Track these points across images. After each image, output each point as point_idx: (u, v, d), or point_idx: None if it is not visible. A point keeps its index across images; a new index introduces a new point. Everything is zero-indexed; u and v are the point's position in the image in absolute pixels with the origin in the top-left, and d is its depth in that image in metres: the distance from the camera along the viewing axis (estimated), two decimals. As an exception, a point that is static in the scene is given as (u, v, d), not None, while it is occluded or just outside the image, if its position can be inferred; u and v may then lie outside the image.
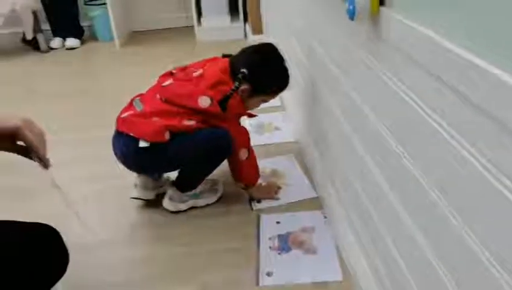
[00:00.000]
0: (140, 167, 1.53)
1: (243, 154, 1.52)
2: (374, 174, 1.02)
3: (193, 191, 1.59)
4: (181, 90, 1.45)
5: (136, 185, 1.63)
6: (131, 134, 1.41)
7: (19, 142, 0.90)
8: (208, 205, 1.60)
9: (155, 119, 1.42)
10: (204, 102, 1.42)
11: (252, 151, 1.55)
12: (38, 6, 3.56)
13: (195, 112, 1.42)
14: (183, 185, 1.57)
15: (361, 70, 1.02)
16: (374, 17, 0.87)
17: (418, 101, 0.74)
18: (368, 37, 0.93)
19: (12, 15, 3.38)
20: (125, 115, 1.48)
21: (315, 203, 1.57)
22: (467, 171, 0.60)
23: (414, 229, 0.82)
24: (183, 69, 1.56)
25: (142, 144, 1.39)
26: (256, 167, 1.58)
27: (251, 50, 1.56)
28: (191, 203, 1.59)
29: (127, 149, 1.44)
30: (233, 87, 1.43)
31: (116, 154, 1.50)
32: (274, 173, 1.76)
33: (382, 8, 0.84)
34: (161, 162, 1.46)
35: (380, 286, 1.07)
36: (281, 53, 1.55)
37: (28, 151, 0.91)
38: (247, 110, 1.57)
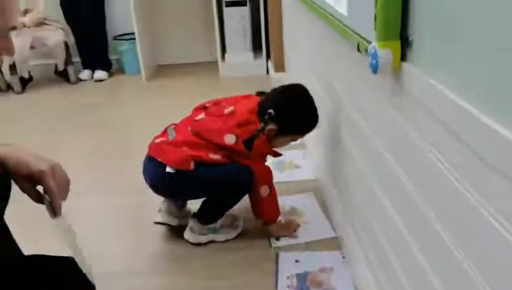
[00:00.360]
0: (166, 191, 1.60)
1: (264, 191, 1.55)
2: (392, 217, 1.04)
3: (213, 225, 1.62)
4: (210, 125, 1.54)
5: (160, 210, 1.68)
6: (160, 160, 1.48)
7: (38, 187, 0.90)
8: (227, 240, 1.64)
9: (184, 148, 1.50)
10: (229, 139, 1.48)
11: (274, 189, 1.59)
12: (70, 39, 3.73)
13: (221, 147, 1.49)
14: (204, 217, 1.61)
15: (383, 119, 1.07)
16: (396, 72, 0.92)
17: (437, 155, 0.78)
18: (390, 89, 0.98)
19: (46, 48, 3.55)
20: (158, 141, 1.57)
21: (334, 243, 1.58)
22: (484, 226, 0.63)
23: (431, 275, 0.84)
24: (216, 103, 1.63)
25: (169, 169, 1.47)
26: (276, 204, 1.62)
27: (279, 90, 1.62)
28: (210, 237, 1.63)
29: (155, 173, 1.52)
30: (259, 128, 1.49)
31: (145, 177, 1.57)
32: (293, 210, 1.79)
33: (404, 64, 0.89)
34: (185, 189, 1.54)
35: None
36: (310, 94, 1.60)
37: (41, 198, 0.90)
38: (274, 148, 1.61)
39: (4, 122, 3.05)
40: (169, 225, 1.68)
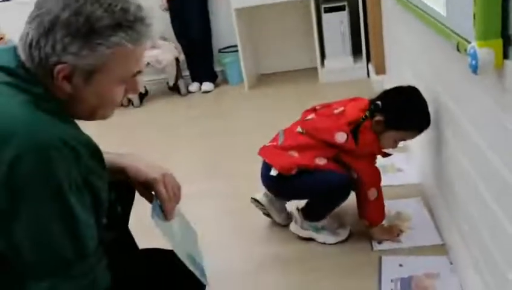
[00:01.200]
0: (272, 191, 1.71)
1: (372, 194, 1.56)
2: (503, 224, 1.00)
3: (315, 224, 1.67)
4: (321, 124, 1.59)
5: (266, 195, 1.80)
6: (268, 161, 1.61)
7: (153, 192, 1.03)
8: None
9: (291, 152, 1.58)
10: (340, 137, 1.52)
11: (381, 191, 1.59)
12: (181, 55, 4.04)
13: (330, 146, 1.54)
14: (307, 213, 1.68)
15: (487, 119, 1.03)
16: (499, 71, 0.89)
17: None
18: (494, 88, 0.95)
19: (160, 65, 3.89)
20: (269, 144, 1.69)
21: (439, 250, 1.54)
22: None
23: None
24: (326, 105, 1.68)
25: (273, 172, 1.57)
26: (383, 207, 1.61)
27: (391, 89, 1.63)
28: (309, 234, 1.68)
29: (264, 174, 1.64)
30: (361, 117, 1.51)
31: (261, 176, 1.69)
32: (399, 215, 1.76)
33: (507, 62, 0.86)
34: (286, 191, 1.65)
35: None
36: (422, 95, 1.56)
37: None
38: (382, 148, 1.59)
39: (126, 133, 3.40)
40: (263, 208, 1.79)
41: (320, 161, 1.54)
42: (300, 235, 1.69)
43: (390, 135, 1.55)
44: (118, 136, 3.37)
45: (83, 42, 0.80)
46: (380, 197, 1.58)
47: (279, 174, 1.56)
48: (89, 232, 0.82)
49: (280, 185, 1.61)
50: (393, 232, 1.64)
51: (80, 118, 0.91)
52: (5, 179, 0.73)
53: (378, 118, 1.52)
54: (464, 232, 1.36)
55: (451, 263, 1.45)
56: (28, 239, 0.77)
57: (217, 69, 4.21)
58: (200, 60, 4.03)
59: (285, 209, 1.82)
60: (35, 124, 0.77)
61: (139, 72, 0.90)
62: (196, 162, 2.69)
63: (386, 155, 1.64)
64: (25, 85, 0.82)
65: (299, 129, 1.62)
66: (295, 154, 1.57)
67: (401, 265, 1.49)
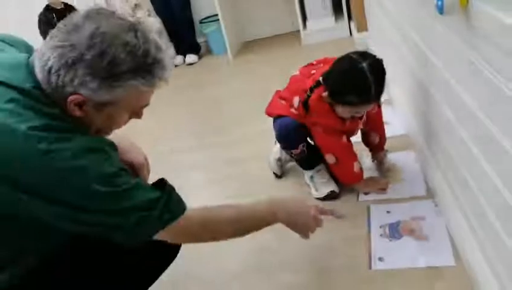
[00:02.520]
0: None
1: (329, 159, 1.63)
2: (483, 167, 1.03)
3: (306, 171, 1.75)
4: (292, 85, 1.68)
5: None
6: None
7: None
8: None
9: (281, 101, 1.69)
10: (295, 102, 1.59)
11: (343, 157, 1.62)
12: (162, 28, 4.00)
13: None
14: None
15: (460, 62, 1.06)
16: (464, 10, 0.91)
17: None
18: (459, 28, 0.98)
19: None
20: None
21: (425, 196, 1.59)
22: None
23: None
24: (319, 61, 1.69)
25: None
26: (347, 171, 1.64)
27: (338, 58, 1.52)
28: (307, 181, 1.77)
29: None
30: (306, 94, 1.55)
31: None
32: (392, 167, 1.79)
33: (471, 0, 0.88)
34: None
35: (495, 275, 1.08)
36: (369, 61, 1.41)
37: None
38: (340, 121, 1.56)
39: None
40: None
41: (294, 111, 1.61)
42: (305, 180, 1.79)
43: (340, 108, 1.51)
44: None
45: (101, 82, 0.82)
46: (340, 163, 1.62)
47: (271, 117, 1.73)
48: (143, 190, 0.91)
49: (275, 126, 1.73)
50: (375, 186, 1.67)
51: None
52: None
53: (324, 93, 1.50)
54: (448, 174, 1.41)
55: (436, 206, 1.51)
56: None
57: (200, 40, 4.18)
58: (182, 32, 4.00)
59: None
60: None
61: (147, 105, 0.96)
62: (184, 131, 2.72)
63: (348, 133, 1.64)
64: (40, 106, 0.83)
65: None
66: (283, 102, 1.69)
67: (388, 212, 1.55)
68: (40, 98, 0.84)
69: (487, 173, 1.00)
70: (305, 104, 1.55)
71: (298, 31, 3.79)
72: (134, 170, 1.09)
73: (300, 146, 1.65)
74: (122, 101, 0.87)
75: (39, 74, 0.84)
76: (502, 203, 0.93)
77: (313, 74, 1.61)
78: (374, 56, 1.45)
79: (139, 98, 0.91)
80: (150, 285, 1.15)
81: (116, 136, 1.05)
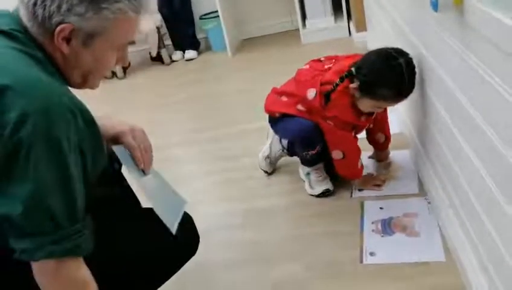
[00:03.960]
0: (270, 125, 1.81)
1: (336, 155, 1.62)
2: (474, 165, 1.05)
3: (303, 167, 1.75)
4: (303, 77, 1.64)
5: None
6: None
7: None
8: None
9: (282, 97, 1.68)
10: (310, 94, 1.56)
11: (350, 153, 1.62)
12: (163, 25, 4.01)
13: (304, 100, 1.59)
14: (292, 153, 1.82)
15: (453, 57, 1.08)
16: (459, 7, 0.93)
17: (509, 90, 0.78)
18: (454, 26, 0.99)
19: (141, 35, 3.85)
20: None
21: (418, 194, 1.60)
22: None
23: (510, 213, 0.86)
24: (329, 58, 1.68)
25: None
26: (352, 167, 1.65)
27: (372, 50, 1.55)
28: (302, 176, 1.78)
29: None
30: (334, 84, 1.50)
31: None
32: (388, 165, 1.81)
33: (465, -1, 0.90)
34: (274, 129, 1.78)
35: (483, 270, 1.10)
36: (405, 58, 1.43)
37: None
38: (357, 116, 1.56)
39: (113, 104, 3.41)
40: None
41: (300, 108, 1.61)
42: (300, 175, 1.80)
43: (366, 102, 1.51)
44: (104, 108, 3.38)
45: (88, 4, 0.81)
46: (348, 158, 1.62)
47: (269, 115, 1.73)
48: (80, 197, 0.82)
49: (271, 123, 1.76)
50: (372, 182, 1.69)
51: (71, 85, 0.92)
52: (9, 136, 0.74)
53: (352, 84, 1.49)
54: (440, 172, 1.42)
55: (429, 203, 1.53)
56: (22, 197, 0.76)
57: (199, 36, 4.18)
58: (182, 28, 4.00)
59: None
60: (41, 86, 0.78)
61: (132, 41, 0.93)
62: (181, 126, 2.73)
63: (358, 129, 1.64)
64: (27, 49, 0.82)
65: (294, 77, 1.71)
66: (284, 98, 1.68)
67: (381, 208, 1.56)
68: (23, 40, 0.83)
69: (478, 171, 1.01)
70: (327, 95, 1.51)
71: (297, 29, 3.80)
72: (119, 140, 1.04)
73: (318, 146, 1.64)
74: (110, 31, 0.85)
75: (24, 12, 0.83)
76: (492, 201, 0.95)
77: (328, 68, 1.59)
78: (408, 54, 1.46)
79: (126, 28, 0.88)
80: (165, 280, 1.11)
81: (102, 117, 1.02)
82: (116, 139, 1.04)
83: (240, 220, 1.72)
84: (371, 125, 1.72)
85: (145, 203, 1.07)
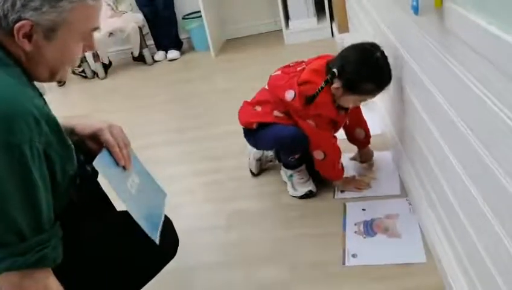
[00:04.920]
0: (246, 140, 1.79)
1: (317, 155, 1.62)
2: (455, 167, 1.05)
3: (286, 170, 1.74)
4: (278, 81, 1.63)
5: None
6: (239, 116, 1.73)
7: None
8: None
9: (256, 107, 1.67)
10: (289, 95, 1.56)
11: (331, 154, 1.62)
12: (145, 25, 3.97)
13: (283, 103, 1.58)
14: (278, 158, 1.82)
15: (432, 60, 1.09)
16: (439, 11, 0.94)
17: (486, 92, 0.79)
18: (434, 29, 1.00)
19: (123, 35, 3.81)
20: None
21: (399, 197, 1.61)
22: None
23: (491, 218, 0.87)
24: (298, 63, 1.69)
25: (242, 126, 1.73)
26: (333, 167, 1.65)
27: (348, 48, 1.58)
28: (284, 178, 1.78)
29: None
30: (319, 88, 1.50)
31: None
32: (369, 166, 1.81)
33: (445, 2, 0.91)
34: (253, 142, 1.76)
35: (463, 271, 1.11)
36: (380, 51, 1.49)
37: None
38: (337, 112, 1.58)
39: (95, 104, 3.37)
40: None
41: (278, 114, 1.60)
42: (282, 178, 1.80)
43: (349, 98, 1.54)
44: (85, 108, 3.34)
45: None
46: (329, 159, 1.62)
47: (245, 128, 1.70)
48: (46, 206, 0.80)
49: (248, 136, 1.75)
50: (352, 184, 1.70)
51: (39, 80, 0.90)
52: None
53: (336, 85, 1.50)
54: (421, 174, 1.44)
55: (410, 204, 1.54)
56: None
57: (182, 36, 4.16)
58: (164, 27, 3.98)
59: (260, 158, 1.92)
60: (1, 92, 0.76)
61: (97, 28, 0.90)
62: (163, 126, 2.71)
63: (338, 122, 1.64)
64: None
65: (266, 85, 1.69)
66: (258, 108, 1.66)
67: (364, 209, 1.57)
68: None
69: (458, 173, 1.02)
70: (311, 98, 1.51)
71: (281, 30, 3.81)
72: (97, 138, 1.01)
73: (301, 151, 1.65)
74: (70, 21, 0.82)
75: None
76: (470, 202, 0.96)
77: (302, 69, 1.60)
78: (379, 46, 1.52)
79: (87, 16, 0.86)
80: (145, 283, 1.09)
81: (81, 117, 1.01)
82: (94, 137, 1.01)
83: (223, 222, 1.71)
84: (347, 122, 1.74)
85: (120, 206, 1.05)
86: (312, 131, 1.57)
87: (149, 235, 0.97)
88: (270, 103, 1.62)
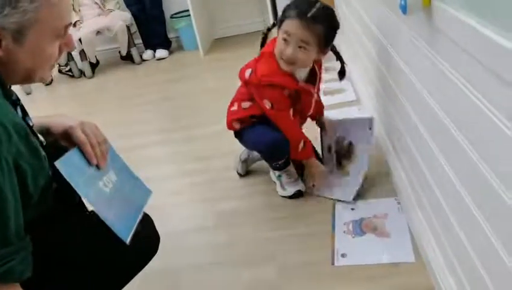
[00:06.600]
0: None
1: (300, 146, 1.62)
2: (443, 167, 1.05)
3: (275, 171, 1.72)
4: (242, 70, 1.67)
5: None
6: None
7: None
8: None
9: (233, 107, 1.68)
10: (247, 73, 1.61)
11: (291, 135, 1.60)
12: (133, 24, 3.94)
13: (246, 87, 1.63)
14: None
15: (422, 60, 1.09)
16: (427, 10, 0.94)
17: (474, 91, 0.79)
18: (422, 28, 1.00)
19: (110, 34, 3.78)
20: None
21: (388, 197, 1.60)
22: None
23: (480, 220, 0.86)
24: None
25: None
26: (296, 149, 1.62)
27: None
28: (273, 178, 1.76)
29: None
30: (266, 28, 1.63)
31: None
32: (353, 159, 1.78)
33: (433, 1, 0.90)
34: (242, 143, 1.76)
35: (451, 271, 1.11)
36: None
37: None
38: (291, 79, 1.56)
39: (81, 104, 3.33)
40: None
41: (245, 105, 1.63)
42: (271, 177, 1.80)
43: (280, 39, 1.52)
44: (72, 107, 3.30)
45: (2, 1, 0.76)
46: (290, 140, 1.60)
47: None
48: (14, 219, 0.77)
49: (236, 138, 1.75)
50: (316, 177, 1.70)
51: (16, 84, 0.87)
52: None
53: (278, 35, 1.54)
54: (410, 173, 1.44)
55: (399, 203, 1.54)
56: None
57: (171, 35, 4.13)
58: (152, 26, 3.95)
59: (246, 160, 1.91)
60: None
61: (69, 24, 0.88)
62: (151, 126, 2.69)
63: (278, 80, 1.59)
64: None
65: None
66: (233, 107, 1.69)
67: (353, 209, 1.57)
68: None
69: (447, 173, 1.02)
70: (261, 44, 1.58)
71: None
72: (69, 136, 0.97)
73: (287, 155, 1.65)
74: (38, 21, 0.80)
75: None
76: (459, 202, 0.96)
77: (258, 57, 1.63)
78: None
79: (53, 13, 0.82)
80: (127, 282, 1.08)
81: (58, 116, 0.98)
82: (66, 136, 0.97)
83: (211, 222, 1.69)
84: (314, 115, 1.77)
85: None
86: (269, 112, 1.59)
87: (118, 235, 0.92)
88: (237, 96, 1.67)
